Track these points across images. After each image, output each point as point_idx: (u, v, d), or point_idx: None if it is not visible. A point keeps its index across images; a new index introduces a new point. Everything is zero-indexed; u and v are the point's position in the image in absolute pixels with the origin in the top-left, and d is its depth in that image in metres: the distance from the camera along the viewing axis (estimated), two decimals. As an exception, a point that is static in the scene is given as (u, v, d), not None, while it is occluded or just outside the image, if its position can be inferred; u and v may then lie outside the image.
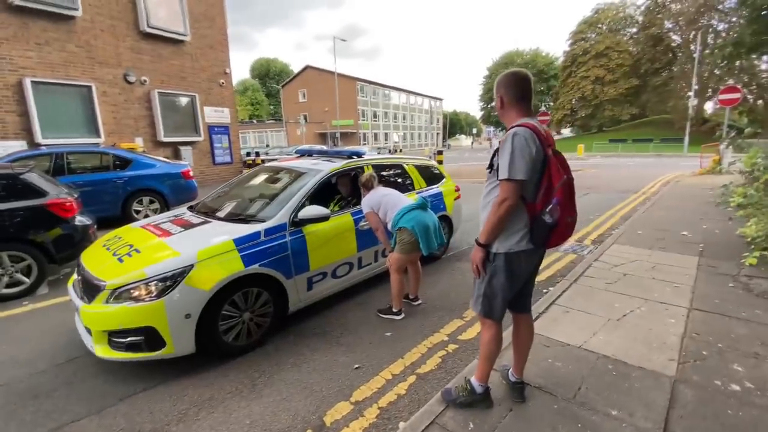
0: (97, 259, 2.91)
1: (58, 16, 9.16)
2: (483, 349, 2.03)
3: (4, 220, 3.83)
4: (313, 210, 3.17)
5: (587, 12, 47.99)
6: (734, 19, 30.20)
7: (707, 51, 30.73)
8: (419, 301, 3.62)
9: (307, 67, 48.08)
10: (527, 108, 1.86)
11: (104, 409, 2.30)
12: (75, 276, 3.02)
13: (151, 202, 7.26)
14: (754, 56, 18.38)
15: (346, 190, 4.00)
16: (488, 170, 1.89)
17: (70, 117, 9.63)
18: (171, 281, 2.49)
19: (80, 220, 4.41)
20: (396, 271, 3.28)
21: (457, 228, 5.22)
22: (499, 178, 1.74)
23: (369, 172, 3.63)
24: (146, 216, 6.82)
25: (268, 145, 30.15)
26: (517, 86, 1.85)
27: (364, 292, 3.91)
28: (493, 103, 2.08)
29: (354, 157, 4.07)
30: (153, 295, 2.45)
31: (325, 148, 5.47)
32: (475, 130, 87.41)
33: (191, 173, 7.90)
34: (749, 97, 31.96)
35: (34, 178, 4.25)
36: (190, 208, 3.80)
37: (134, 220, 5.77)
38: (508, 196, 1.71)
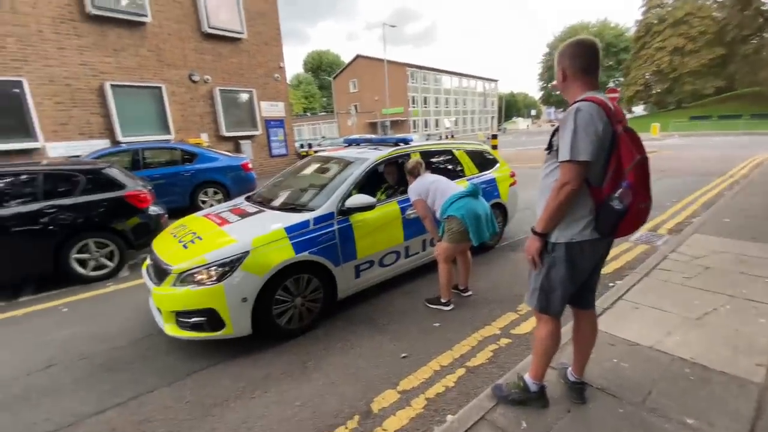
0: (166, 245, 3.17)
1: (130, 23, 10.03)
2: (538, 345, 1.89)
3: (91, 210, 4.32)
4: (359, 199, 3.17)
5: (665, -26, 42.48)
6: None
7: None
8: (469, 292, 3.50)
9: (357, 57, 48.26)
10: (594, 81, 1.66)
11: (174, 383, 2.51)
12: (148, 261, 3.31)
13: (215, 193, 7.79)
14: None
15: (393, 178, 3.95)
16: (546, 151, 1.73)
17: (145, 116, 10.58)
18: (229, 267, 2.63)
19: (154, 209, 4.84)
20: (444, 261, 3.19)
21: (512, 216, 4.96)
22: (560, 160, 1.57)
23: (415, 158, 3.54)
24: (211, 206, 7.33)
25: (324, 137, 30.77)
26: (583, 56, 1.64)
27: (412, 282, 3.87)
28: (554, 83, 1.88)
29: (401, 144, 4.00)
30: (213, 279, 2.61)
31: (371, 136, 5.45)
32: (534, 112, 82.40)
33: (250, 165, 8.33)
34: None
35: (115, 172, 4.72)
36: (247, 198, 3.99)
37: (200, 209, 6.22)
38: (569, 180, 1.54)
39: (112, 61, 9.87)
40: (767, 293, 3.01)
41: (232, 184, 7.92)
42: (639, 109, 53.55)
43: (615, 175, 1.54)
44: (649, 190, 1.58)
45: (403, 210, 3.58)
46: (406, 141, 4.08)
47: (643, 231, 5.10)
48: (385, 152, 3.76)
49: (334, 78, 52.04)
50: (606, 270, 3.87)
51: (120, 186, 4.58)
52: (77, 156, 7.93)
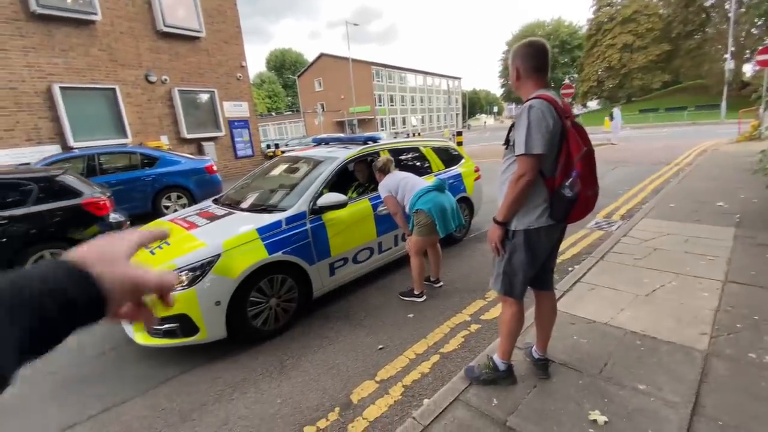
0: (132, 252, 3.07)
1: (79, 21, 9.47)
2: (504, 327, 2.03)
3: (45, 220, 4.09)
4: (331, 197, 3.22)
5: (612, -25, 44.85)
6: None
7: (743, 9, 28.40)
8: (440, 283, 3.64)
9: (321, 55, 47.76)
10: (544, 79, 1.80)
11: (148, 391, 2.46)
12: (113, 269, 3.19)
13: (179, 197, 7.54)
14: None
15: (363, 176, 4.02)
16: (504, 146, 1.85)
17: (99, 119, 10.03)
18: (200, 271, 2.61)
19: (114, 217, 4.64)
20: (416, 255, 3.29)
21: (478, 209, 5.16)
22: (516, 153, 1.70)
23: (385, 156, 3.62)
24: (175, 211, 7.10)
25: (305, 136, 29.98)
26: (534, 57, 1.78)
27: (386, 276, 3.96)
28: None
29: (370, 142, 4.07)
30: (184, 284, 2.58)
31: (340, 135, 5.48)
32: (496, 109, 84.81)
33: (215, 168, 8.12)
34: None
35: (70, 179, 4.48)
36: (215, 201, 3.93)
37: (164, 215, 6.02)
38: (525, 171, 1.68)
39: (61, 62, 9.29)
40: (709, 270, 3.33)
41: (197, 187, 7.69)
42: (593, 104, 56.31)
43: (565, 165, 1.68)
44: (595, 179, 1.75)
45: (374, 207, 3.66)
46: (374, 139, 4.15)
47: (598, 218, 5.45)
48: (354, 151, 3.82)
49: (299, 77, 51.26)
50: (565, 256, 4.12)
51: (76, 194, 4.36)
52: (27, 164, 7.42)
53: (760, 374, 2.03)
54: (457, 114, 63.50)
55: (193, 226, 3.19)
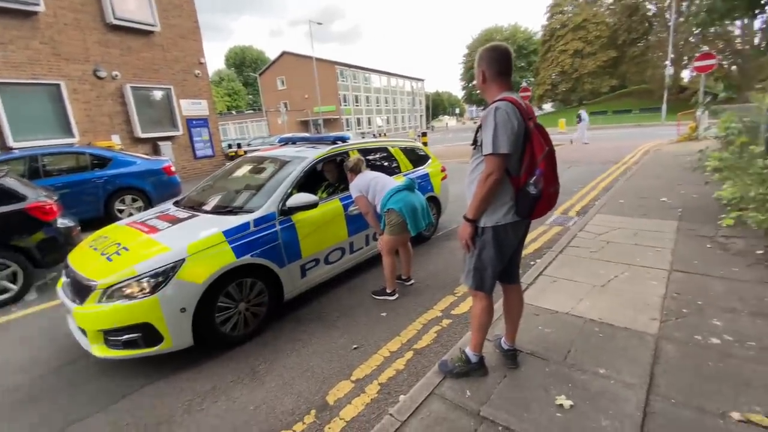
0: (86, 259, 2.88)
1: (17, 12, 8.71)
2: (475, 320, 2.10)
3: (-17, 227, 3.73)
4: (301, 198, 3.17)
5: (564, -16, 47.32)
6: (707, -15, 30.50)
7: (681, 19, 30.97)
8: (412, 281, 3.69)
9: (283, 54, 46.84)
10: (508, 82, 1.88)
11: (109, 406, 2.32)
12: (64, 278, 2.98)
13: (134, 200, 7.12)
14: (727, 22, 18.60)
15: (333, 176, 4.00)
16: (473, 146, 1.92)
17: (41, 117, 9.27)
18: (163, 277, 2.49)
19: (62, 222, 4.32)
20: (387, 253, 3.33)
21: (445, 208, 5.28)
22: (484, 153, 1.77)
23: (356, 156, 3.62)
24: (130, 215, 6.70)
25: (269, 135, 28.81)
26: (499, 61, 1.86)
27: (358, 276, 3.96)
28: (474, 82, 2.10)
29: (338, 142, 4.05)
30: (146, 291, 2.45)
31: (307, 135, 5.41)
32: (458, 110, 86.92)
33: (173, 169, 7.74)
34: (724, 63, 32.44)
35: (11, 182, 4.12)
36: (176, 204, 3.76)
37: (118, 219, 5.65)
38: (493, 170, 1.74)
39: (-4, 55, 8.49)
40: (656, 260, 3.61)
41: (154, 189, 7.29)
42: (548, 107, 59.17)
43: (529, 165, 1.77)
44: (557, 177, 1.85)
45: (345, 207, 3.65)
46: (343, 139, 4.14)
47: (556, 214, 5.75)
48: (323, 150, 3.79)
49: (260, 75, 49.97)
50: (528, 250, 4.32)
51: (19, 198, 4.01)
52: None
53: (706, 354, 2.24)
54: (421, 115, 64.43)
55: (153, 230, 3.03)
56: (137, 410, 2.28)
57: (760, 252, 3.54)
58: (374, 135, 27.27)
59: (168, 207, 3.67)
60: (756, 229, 3.99)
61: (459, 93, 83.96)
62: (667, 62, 28.95)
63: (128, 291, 2.45)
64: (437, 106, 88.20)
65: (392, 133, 48.34)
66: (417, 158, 4.96)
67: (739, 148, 6.31)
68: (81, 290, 2.61)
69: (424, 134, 12.79)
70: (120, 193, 6.94)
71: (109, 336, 2.48)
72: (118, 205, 6.91)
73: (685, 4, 31.71)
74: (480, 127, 1.82)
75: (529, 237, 4.70)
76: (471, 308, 2.17)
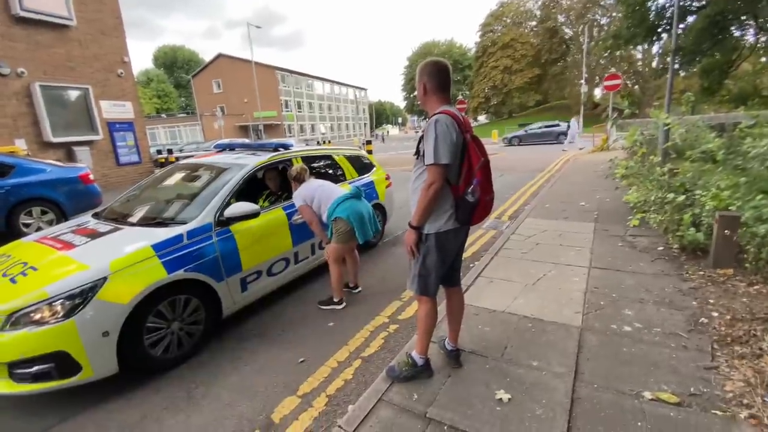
0: (-19, 283, 2.48)
1: None
2: (421, 324, 2.16)
3: None
4: (240, 207, 3.03)
5: (494, 6, 51.16)
6: (614, 14, 34.88)
7: (593, 43, 34.95)
8: (359, 289, 3.69)
9: (219, 56, 44.69)
10: (447, 96, 1.99)
11: (11, 452, 2.01)
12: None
13: (44, 212, 6.28)
14: (630, 47, 21.40)
15: (275, 184, 3.89)
16: (415, 156, 1.99)
17: None
18: (80, 298, 2.23)
19: (-52, 240, 3.68)
20: (334, 262, 3.30)
21: (390, 215, 5.37)
22: (426, 163, 1.85)
23: (299, 164, 3.56)
24: (39, 229, 5.90)
25: (204, 141, 26.72)
26: (439, 75, 1.96)
27: (303, 287, 3.88)
28: (416, 93, 2.18)
29: (280, 149, 3.96)
30: (60, 315, 2.18)
31: (247, 141, 5.19)
32: (400, 120, 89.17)
33: (91, 176, 6.98)
34: (628, 82, 37.22)
35: None
36: (95, 215, 3.40)
37: (24, 234, 4.95)
38: (435, 180, 1.83)
39: None
40: (578, 258, 3.99)
41: (68, 200, 6.49)
42: (482, 118, 63.06)
43: (467, 174, 1.88)
44: (491, 186, 1.99)
45: (289, 216, 3.56)
46: (286, 146, 4.04)
47: (491, 219, 6.12)
48: (264, 157, 3.67)
49: (194, 77, 47.13)
50: (467, 254, 4.54)
51: None
52: None
53: (621, 341, 2.52)
54: (365, 123, 65.04)
55: (68, 246, 2.71)
56: (49, 452, 2.00)
57: (661, 248, 4.08)
58: (318, 142, 26.95)
59: (86, 220, 3.31)
60: (656, 228, 4.59)
61: (401, 103, 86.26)
62: (582, 81, 32.47)
63: (37, 316, 2.16)
64: (380, 115, 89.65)
65: (336, 140, 48.20)
66: (362, 166, 5.00)
67: (642, 158, 7.24)
68: (-25, 319, 2.25)
69: (368, 142, 12.91)
70: (26, 204, 6.08)
71: (16, 369, 2.16)
72: (23, 219, 6.05)
73: (596, 29, 35.97)
74: (422, 137, 1.90)
75: (468, 241, 4.95)
76: (416, 312, 2.23)
